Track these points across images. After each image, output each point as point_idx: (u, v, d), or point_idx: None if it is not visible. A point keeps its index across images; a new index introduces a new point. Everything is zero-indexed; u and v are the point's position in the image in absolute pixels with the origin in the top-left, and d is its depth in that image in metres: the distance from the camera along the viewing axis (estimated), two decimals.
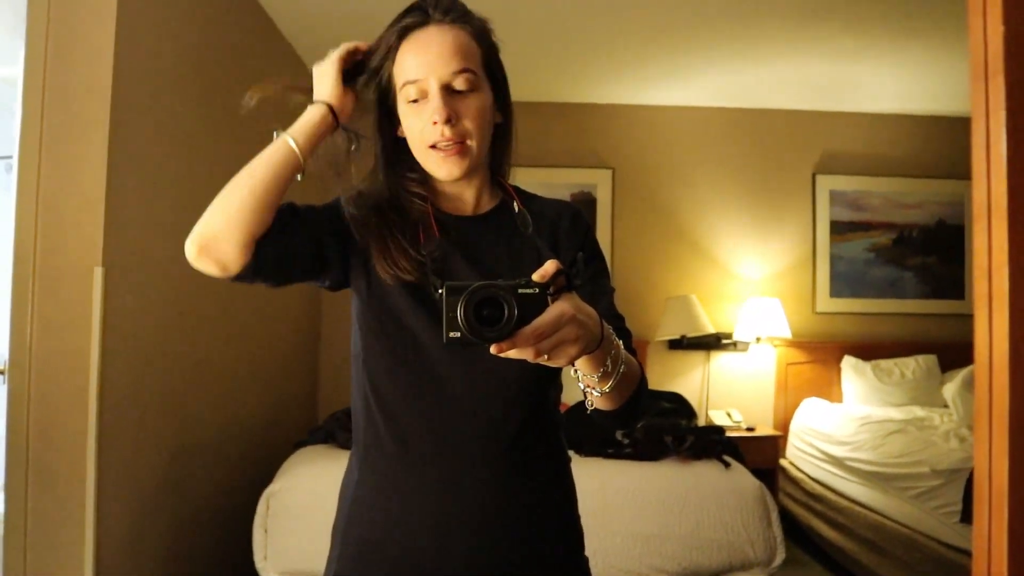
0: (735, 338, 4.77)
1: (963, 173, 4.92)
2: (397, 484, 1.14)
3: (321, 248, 1.15)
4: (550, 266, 0.88)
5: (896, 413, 4.14)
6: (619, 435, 3.26)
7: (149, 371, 2.54)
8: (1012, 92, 0.59)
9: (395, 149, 1.19)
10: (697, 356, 4.90)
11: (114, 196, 2.28)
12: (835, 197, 4.98)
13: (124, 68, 2.30)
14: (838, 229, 4.98)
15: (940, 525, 3.07)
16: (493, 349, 0.84)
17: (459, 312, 0.83)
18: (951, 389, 4.10)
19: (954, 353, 4.58)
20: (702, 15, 3.60)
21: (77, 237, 2.23)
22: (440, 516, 1.12)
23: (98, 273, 2.22)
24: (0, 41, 3.14)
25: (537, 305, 0.85)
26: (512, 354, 0.84)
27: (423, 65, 1.09)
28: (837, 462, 3.97)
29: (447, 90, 1.09)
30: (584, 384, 1.01)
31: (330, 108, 1.12)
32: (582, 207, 4.79)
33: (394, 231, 1.14)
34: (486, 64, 1.15)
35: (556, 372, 1.19)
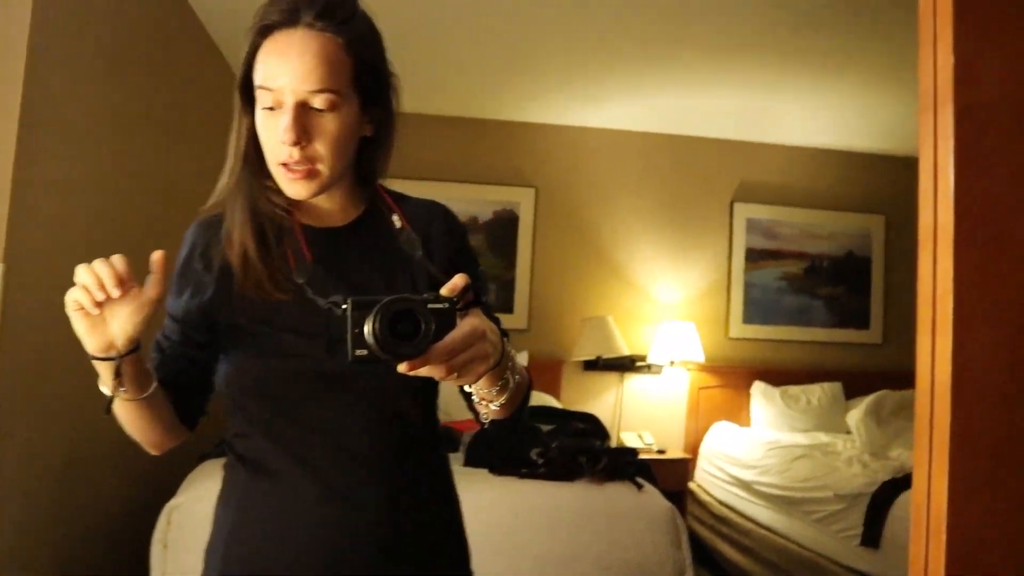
0: (649, 360, 4.83)
1: (873, 207, 5.17)
2: (283, 506, 1.08)
3: (204, 351, 1.12)
4: (459, 280, 0.86)
5: (802, 438, 4.27)
6: (533, 454, 3.25)
7: (48, 375, 2.40)
8: (960, 121, 0.60)
9: (257, 150, 1.08)
10: (611, 377, 4.94)
11: (20, 190, 2.15)
12: (751, 225, 5.13)
13: (38, 59, 2.19)
14: (752, 257, 5.13)
15: (842, 548, 3.16)
16: (404, 367, 0.81)
17: (372, 327, 0.80)
18: (855, 416, 4.25)
19: (858, 381, 4.76)
20: (630, 41, 3.66)
21: None
22: (327, 537, 1.07)
23: None
24: None
25: (447, 320, 0.82)
26: (423, 372, 0.81)
27: (280, 74, 0.99)
28: (745, 485, 4.06)
29: (302, 107, 0.99)
30: (479, 398, 0.99)
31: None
32: (505, 225, 4.75)
33: (263, 252, 1.07)
34: (357, 77, 1.03)
35: (435, 387, 1.15)
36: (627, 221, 5.08)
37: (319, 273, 1.08)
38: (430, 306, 0.81)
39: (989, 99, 0.60)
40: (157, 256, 0.96)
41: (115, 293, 0.91)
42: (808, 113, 4.56)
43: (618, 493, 3.07)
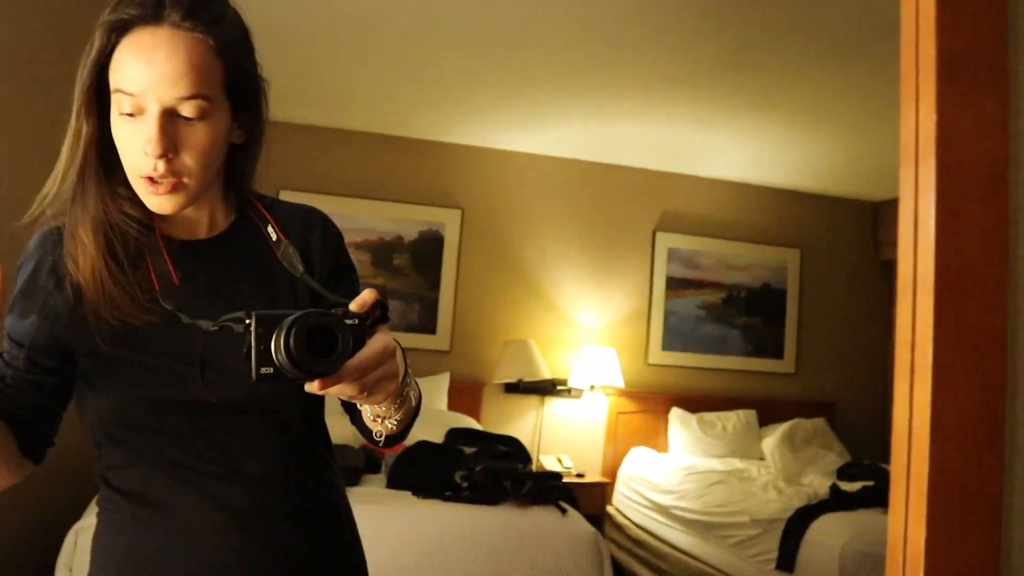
0: (570, 384, 4.86)
1: (789, 241, 5.36)
2: (167, 538, 1.00)
3: (51, 375, 1.00)
4: (368, 295, 0.83)
5: (718, 464, 4.36)
6: (457, 477, 3.23)
7: None
8: (941, 175, 0.63)
9: (107, 155, 0.97)
10: (532, 400, 4.95)
11: None
12: (672, 254, 5.24)
13: None
14: (673, 285, 5.24)
15: (758, 572, 3.24)
16: (314, 386, 0.77)
17: (283, 343, 0.75)
18: (769, 443, 4.37)
19: (772, 409, 4.90)
20: (561, 68, 3.70)
21: None
22: (223, 565, 1.00)
23: None
24: None
25: (358, 337, 0.79)
26: (333, 391, 0.78)
27: (142, 79, 0.89)
28: (662, 510, 4.12)
29: (168, 115, 0.90)
30: (376, 415, 0.95)
31: None
32: (430, 245, 4.69)
33: (115, 270, 0.96)
34: (228, 82, 0.95)
35: (322, 402, 1.08)
36: (552, 246, 5.13)
37: (188, 291, 0.99)
38: (345, 322, 0.78)
39: (969, 157, 0.63)
40: None
41: None
42: (732, 148, 4.70)
43: (542, 517, 3.08)
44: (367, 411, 0.95)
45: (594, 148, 4.95)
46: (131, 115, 0.90)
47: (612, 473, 4.88)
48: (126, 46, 0.90)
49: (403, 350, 0.93)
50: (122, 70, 0.90)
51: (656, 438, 4.97)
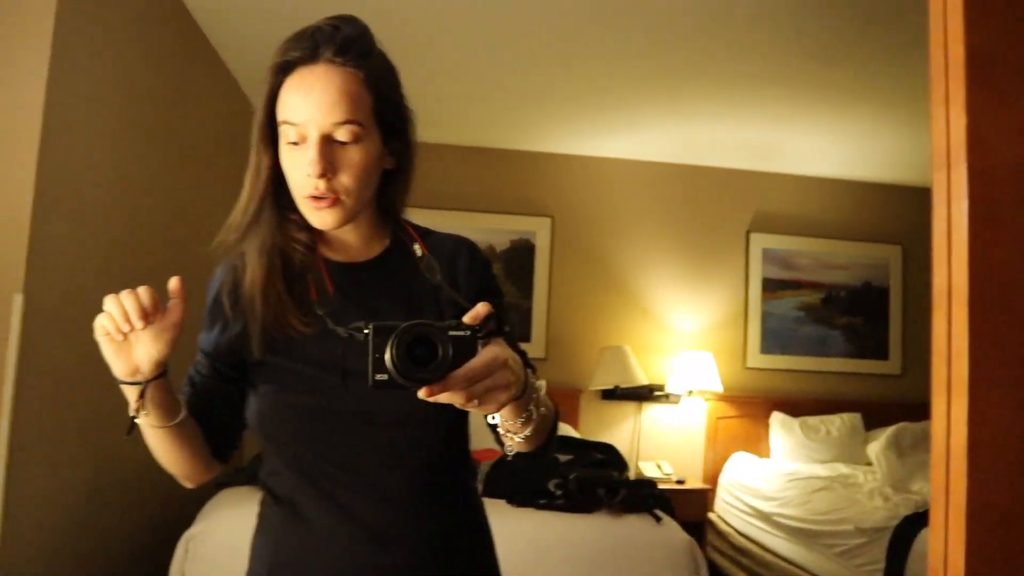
0: (667, 390, 4.81)
1: (890, 238, 5.15)
2: (318, 541, 1.08)
3: (234, 386, 1.14)
4: (481, 308, 0.86)
5: (822, 470, 4.22)
6: (551, 486, 3.23)
7: (67, 405, 2.42)
8: (974, 181, 0.60)
9: (278, 185, 1.09)
10: (629, 407, 4.91)
11: (40, 220, 2.18)
12: (767, 255, 5.11)
13: (56, 88, 2.23)
14: (769, 286, 5.10)
15: None
16: (423, 392, 0.80)
17: (390, 352, 0.79)
18: (875, 448, 4.20)
19: (878, 412, 4.70)
20: (646, 73, 3.68)
21: None
22: (362, 572, 1.07)
23: (18, 300, 2.12)
24: None
25: (468, 348, 0.81)
26: (442, 398, 0.81)
27: (304, 109, 1.01)
28: (764, 517, 4.01)
29: (326, 140, 1.01)
30: (504, 429, 0.98)
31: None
32: (522, 254, 4.76)
33: (280, 287, 1.08)
34: (377, 111, 1.05)
35: (466, 419, 1.14)
36: (643, 250, 5.08)
37: (341, 306, 1.09)
38: (451, 333, 0.81)
39: (1002, 161, 0.60)
40: (174, 283, 0.99)
41: (139, 325, 0.94)
42: (823, 144, 4.55)
43: (637, 525, 3.05)
44: (500, 426, 0.98)
45: (682, 150, 4.88)
46: (295, 143, 1.02)
47: (713, 479, 4.79)
48: (289, 84, 1.03)
49: (532, 369, 0.97)
50: (286, 104, 1.03)
51: (757, 443, 4.84)
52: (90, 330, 2.60)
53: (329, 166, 1.01)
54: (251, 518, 3.00)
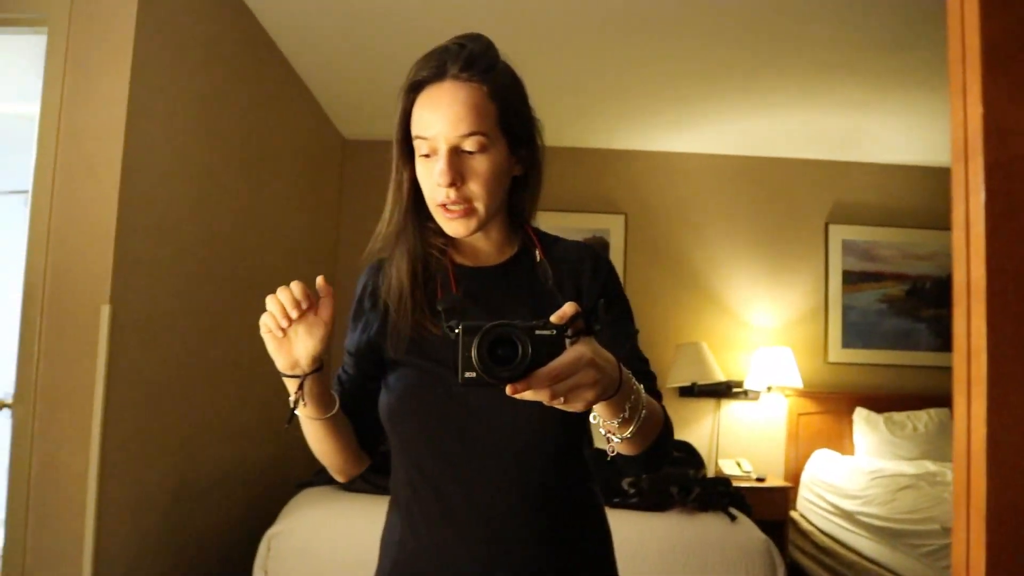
0: (746, 387, 4.73)
1: None
2: (438, 540, 1.13)
3: (377, 384, 1.20)
4: (568, 308, 0.87)
5: (908, 467, 4.08)
6: (625, 484, 3.22)
7: (154, 410, 2.54)
8: (991, 174, 0.58)
9: (417, 196, 1.17)
10: (707, 404, 4.85)
11: (124, 235, 2.30)
12: (847, 247, 4.96)
13: (137, 110, 2.34)
14: (850, 279, 4.95)
15: None
16: (508, 390, 0.82)
17: (473, 351, 0.82)
18: None
19: None
20: (716, 66, 3.63)
21: (86, 274, 2.25)
22: (481, 570, 1.11)
23: (105, 311, 2.24)
24: (23, 79, 3.21)
25: (554, 347, 0.83)
26: (527, 395, 0.83)
27: (433, 123, 1.08)
28: (847, 516, 3.90)
29: (455, 151, 1.08)
30: (604, 430, 1.00)
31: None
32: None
33: (415, 290, 1.16)
34: (502, 121, 1.12)
35: (585, 420, 1.17)
36: (718, 245, 5.00)
37: (465, 307, 1.15)
38: (537, 333, 0.83)
39: (1021, 154, 0.58)
40: (321, 281, 1.07)
41: (293, 315, 1.02)
42: (902, 130, 4.40)
43: (711, 524, 3.02)
44: (600, 427, 1.01)
45: (756, 142, 4.79)
46: (427, 156, 1.10)
47: (795, 477, 4.68)
48: (420, 101, 1.11)
49: (648, 376, 0.99)
50: (419, 120, 1.11)
51: (840, 440, 4.71)
52: (172, 338, 2.75)
53: (457, 175, 1.08)
54: (330, 516, 3.11)
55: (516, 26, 3.25)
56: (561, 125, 4.61)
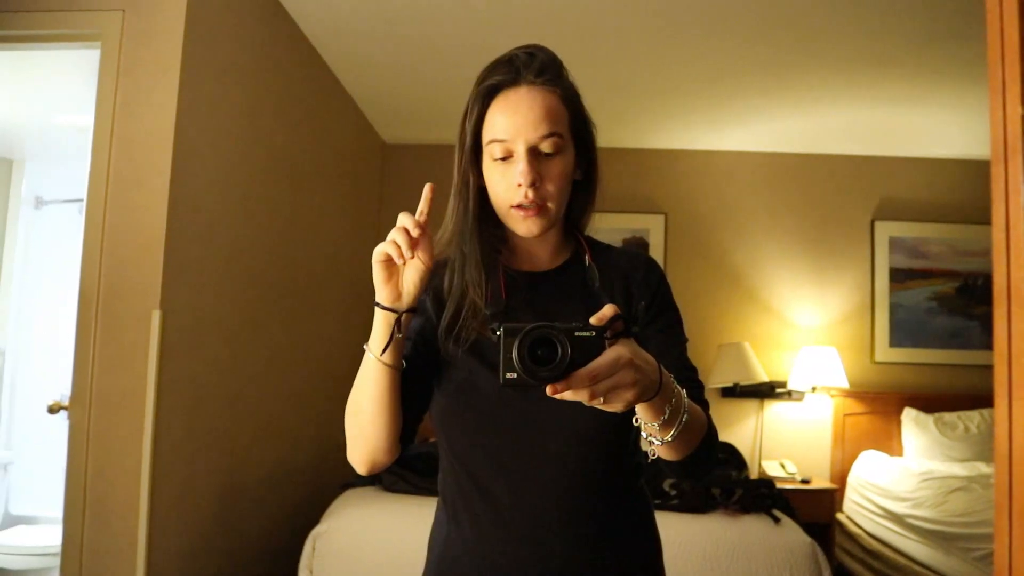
0: (790, 387, 4.67)
1: None
2: (482, 539, 1.15)
3: (427, 375, 1.19)
4: (608, 310, 0.88)
5: (960, 469, 3.99)
6: (666, 486, 3.20)
7: (202, 412, 2.60)
8: None
9: (480, 201, 1.19)
10: (750, 404, 4.80)
11: (173, 242, 2.36)
12: (894, 244, 4.87)
13: (185, 120, 2.40)
14: (898, 277, 4.86)
15: None
16: (548, 390, 0.84)
17: (514, 352, 0.84)
18: None
19: None
20: (755, 63, 3.60)
21: (138, 281, 2.31)
22: (525, 571, 1.12)
23: (156, 316, 2.30)
24: (77, 91, 3.31)
25: (593, 348, 0.85)
26: (567, 395, 0.84)
27: (512, 127, 1.10)
28: (896, 518, 3.84)
29: (533, 152, 1.11)
30: (646, 432, 1.00)
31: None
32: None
33: (475, 293, 1.17)
34: (573, 125, 1.16)
35: (630, 420, 1.15)
36: (760, 244, 4.95)
37: (514, 310, 1.17)
38: (577, 334, 0.84)
39: None
40: (428, 188, 1.05)
41: (415, 233, 1.01)
42: (949, 123, 4.30)
43: (754, 526, 2.99)
44: (643, 430, 1.02)
45: (797, 139, 4.72)
46: (503, 159, 1.12)
47: (841, 479, 4.61)
48: (496, 106, 1.13)
49: (666, 372, 0.98)
50: (495, 124, 1.12)
51: (888, 441, 4.63)
52: (220, 341, 2.80)
53: (537, 175, 1.11)
54: (374, 517, 3.14)
55: (555, 30, 3.26)
56: (600, 126, 4.55)
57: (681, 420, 0.98)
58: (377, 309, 1.06)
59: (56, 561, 2.26)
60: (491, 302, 1.16)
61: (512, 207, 1.13)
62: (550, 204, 1.13)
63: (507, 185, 1.12)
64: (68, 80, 3.39)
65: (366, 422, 1.11)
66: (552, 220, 1.15)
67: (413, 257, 1.02)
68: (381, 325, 1.06)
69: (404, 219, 1.01)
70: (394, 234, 1.01)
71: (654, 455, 1.05)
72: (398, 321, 1.06)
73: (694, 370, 1.21)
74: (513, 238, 1.22)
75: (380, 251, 1.02)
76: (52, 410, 2.40)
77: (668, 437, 0.98)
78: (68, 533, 2.26)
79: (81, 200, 2.44)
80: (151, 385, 2.29)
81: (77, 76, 3.19)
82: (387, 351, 1.06)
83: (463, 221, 1.18)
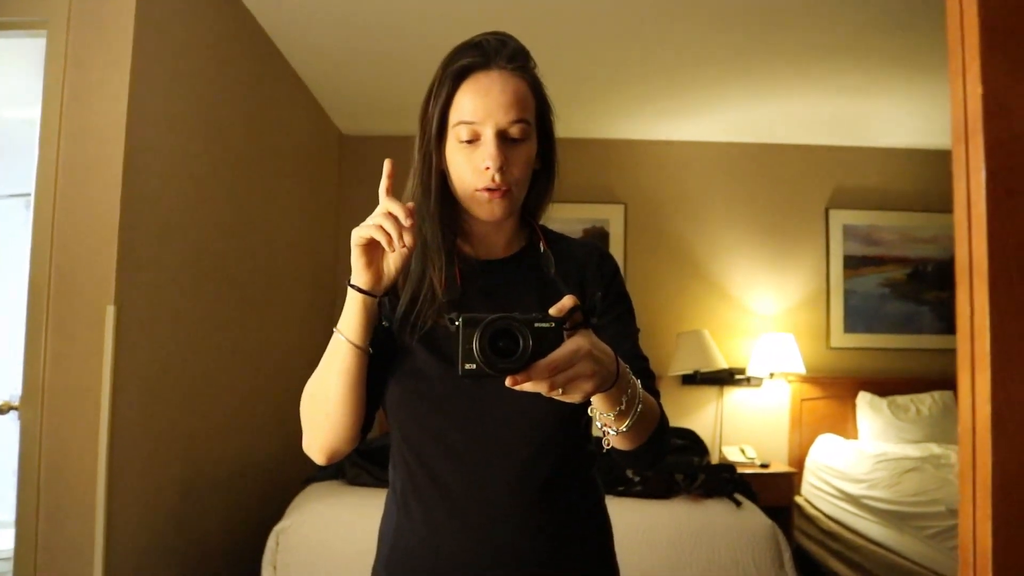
0: (748, 373, 4.74)
1: None
2: (435, 530, 1.14)
3: (388, 362, 1.16)
4: (567, 301, 0.89)
5: (912, 450, 4.09)
6: (629, 473, 3.23)
7: (159, 409, 2.55)
8: (991, 153, 0.59)
9: (441, 185, 1.17)
10: (710, 391, 4.86)
11: (127, 235, 2.31)
12: (848, 232, 4.97)
13: (138, 110, 2.35)
14: (852, 264, 4.96)
15: (957, 565, 3.01)
16: (508, 381, 0.84)
17: (474, 343, 0.84)
18: None
19: None
20: (713, 53, 3.63)
21: (91, 276, 2.25)
22: (478, 560, 1.12)
23: (110, 311, 2.25)
24: (23, 82, 3.21)
25: (553, 339, 0.85)
26: (527, 387, 0.85)
27: (482, 109, 1.10)
28: (853, 500, 3.92)
29: (501, 137, 1.10)
30: (601, 423, 1.01)
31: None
32: (596, 241, 4.81)
33: (432, 280, 1.15)
34: (539, 113, 1.17)
35: (584, 410, 1.16)
36: (719, 233, 5.01)
37: (468, 299, 1.16)
38: (536, 325, 0.85)
39: (1021, 131, 0.58)
40: (387, 162, 1.03)
41: (407, 222, 0.99)
42: (903, 113, 4.39)
43: (716, 511, 3.03)
44: (597, 419, 1.02)
45: (754, 128, 4.78)
46: (469, 142, 1.11)
47: (799, 462, 4.70)
48: (465, 89, 1.12)
49: (622, 363, 0.99)
50: (463, 106, 1.11)
51: (844, 424, 4.73)
52: (177, 337, 2.74)
53: (504, 159, 1.10)
54: (337, 511, 3.12)
55: (515, 18, 3.25)
56: (560, 115, 4.57)
57: (636, 410, 0.99)
58: (352, 291, 1.04)
59: (8, 566, 2.21)
60: (446, 289, 1.15)
61: (477, 190, 1.12)
62: (514, 189, 1.13)
63: (472, 168, 1.11)
64: (12, 70, 3.29)
65: (332, 408, 1.10)
66: (514, 206, 1.15)
67: (403, 245, 1.00)
68: (356, 307, 1.05)
69: (392, 205, 0.99)
70: (381, 219, 0.99)
71: (608, 445, 1.06)
72: (380, 304, 1.06)
73: (646, 360, 1.22)
74: (468, 224, 1.20)
75: (362, 235, 1.00)
76: (1, 411, 2.33)
77: (623, 427, 1.00)
78: (21, 536, 2.20)
79: (29, 195, 2.37)
80: (106, 382, 2.24)
81: (21, 65, 3.10)
82: (364, 328, 1.05)
83: (424, 204, 1.16)
